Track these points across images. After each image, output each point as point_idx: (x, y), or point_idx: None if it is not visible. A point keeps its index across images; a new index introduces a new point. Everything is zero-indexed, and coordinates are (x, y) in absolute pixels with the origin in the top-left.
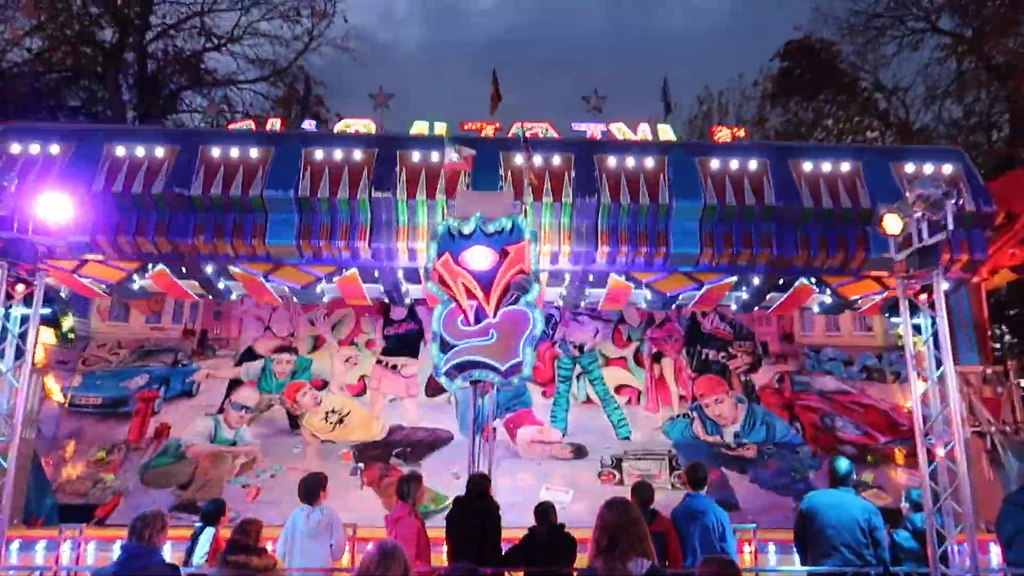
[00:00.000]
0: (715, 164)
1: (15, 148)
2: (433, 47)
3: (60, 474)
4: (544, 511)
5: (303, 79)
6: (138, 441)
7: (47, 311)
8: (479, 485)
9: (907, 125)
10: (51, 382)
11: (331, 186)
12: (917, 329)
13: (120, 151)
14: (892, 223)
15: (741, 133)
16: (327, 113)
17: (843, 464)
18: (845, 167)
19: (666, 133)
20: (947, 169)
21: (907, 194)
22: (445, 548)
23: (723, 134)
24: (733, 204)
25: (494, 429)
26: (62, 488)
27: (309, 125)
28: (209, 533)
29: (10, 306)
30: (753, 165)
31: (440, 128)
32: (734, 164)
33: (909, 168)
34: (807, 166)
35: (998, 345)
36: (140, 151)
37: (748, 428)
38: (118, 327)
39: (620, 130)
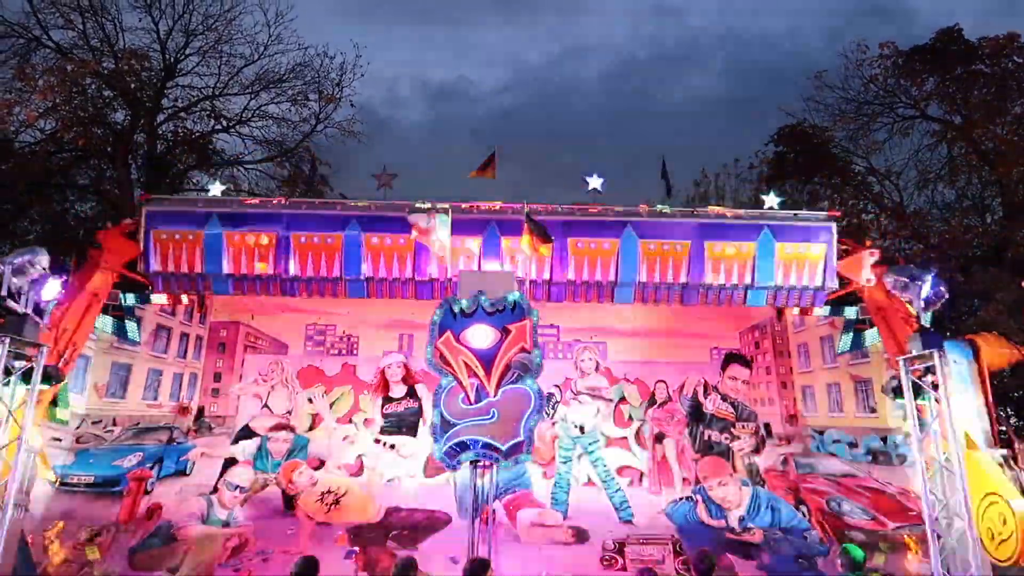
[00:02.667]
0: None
1: None
2: (436, 124)
3: (47, 556)
4: None
5: (309, 159)
6: (128, 522)
7: (45, 387)
8: (477, 572)
9: (901, 207)
10: (42, 460)
11: None
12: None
13: None
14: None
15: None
16: (331, 192)
17: (857, 553)
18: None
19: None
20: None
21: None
22: None
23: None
24: None
25: (494, 511)
26: (48, 571)
27: None
28: None
29: (7, 382)
30: None
31: (443, 208)
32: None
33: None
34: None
35: (1003, 428)
36: None
37: (753, 512)
38: (115, 404)
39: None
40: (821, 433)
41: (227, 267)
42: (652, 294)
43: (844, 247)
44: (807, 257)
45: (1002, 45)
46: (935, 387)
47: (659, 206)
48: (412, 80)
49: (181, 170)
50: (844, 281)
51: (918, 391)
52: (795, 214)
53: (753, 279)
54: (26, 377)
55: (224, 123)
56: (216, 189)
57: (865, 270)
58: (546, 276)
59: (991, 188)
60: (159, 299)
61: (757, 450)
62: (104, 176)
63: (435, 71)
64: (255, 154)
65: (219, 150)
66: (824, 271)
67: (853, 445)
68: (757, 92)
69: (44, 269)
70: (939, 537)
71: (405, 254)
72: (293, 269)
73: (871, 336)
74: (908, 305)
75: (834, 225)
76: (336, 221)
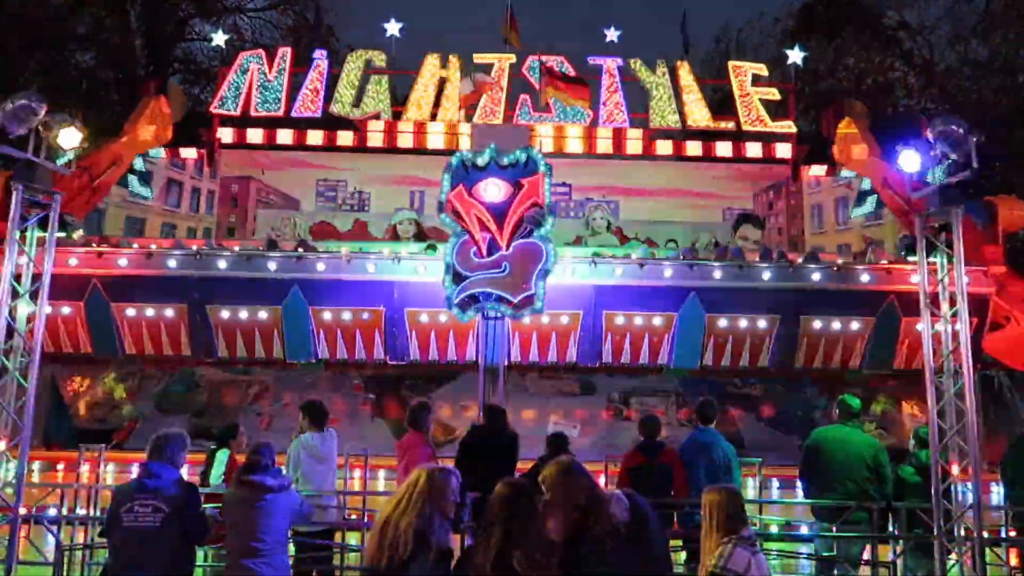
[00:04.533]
0: None
1: None
2: None
3: (78, 400)
4: (557, 441)
5: (313, 8)
6: (152, 368)
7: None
8: (497, 415)
9: (931, 65)
10: None
11: None
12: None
13: None
14: (909, 160)
15: (763, 71)
16: (338, 43)
17: (854, 401)
18: None
19: (685, 71)
20: None
21: (927, 132)
22: None
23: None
24: None
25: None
26: (80, 413)
27: (320, 56)
28: (223, 454)
29: (25, 228)
30: None
31: (452, 61)
32: None
33: None
34: None
35: None
36: None
37: None
38: None
39: (637, 65)
40: None
41: None
42: None
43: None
44: None
45: None
46: (949, 244)
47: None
48: None
49: (181, 18)
50: None
51: (931, 248)
52: None
53: None
54: (43, 224)
55: None
56: (219, 39)
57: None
58: None
59: None
60: (160, 153)
61: None
62: (103, 25)
63: None
64: (257, 2)
65: None
66: None
67: None
68: None
69: (43, 116)
70: (936, 389)
71: None
72: None
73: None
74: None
75: None
76: None
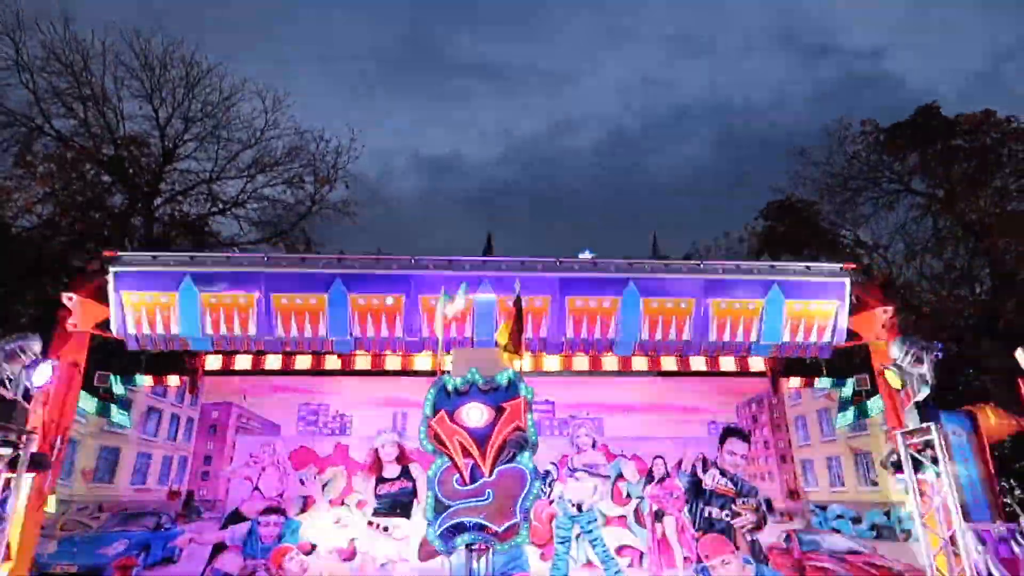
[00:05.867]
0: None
1: None
2: (430, 197)
3: None
4: None
5: (304, 240)
6: None
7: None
8: None
9: (890, 280)
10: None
11: None
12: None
13: None
14: (893, 379)
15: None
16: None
17: None
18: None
19: None
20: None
21: (897, 352)
22: None
23: None
24: None
25: None
26: None
27: None
28: None
29: None
30: None
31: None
32: None
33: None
34: None
35: (1008, 501)
36: None
37: None
38: (101, 489)
39: None
40: (824, 508)
41: (207, 329)
42: (652, 350)
43: (856, 296)
44: (816, 315)
45: (979, 121)
46: (934, 461)
47: (663, 263)
48: (407, 153)
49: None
50: (852, 334)
51: (918, 465)
52: (807, 266)
53: (759, 336)
54: (12, 465)
55: (220, 205)
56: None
57: (876, 327)
58: (543, 335)
59: (979, 259)
60: (145, 380)
61: (759, 527)
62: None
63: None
64: (250, 235)
65: (215, 232)
66: (834, 329)
67: (857, 520)
68: (747, 161)
69: (36, 355)
70: None
71: (393, 314)
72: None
73: (875, 407)
74: (895, 375)
75: (848, 280)
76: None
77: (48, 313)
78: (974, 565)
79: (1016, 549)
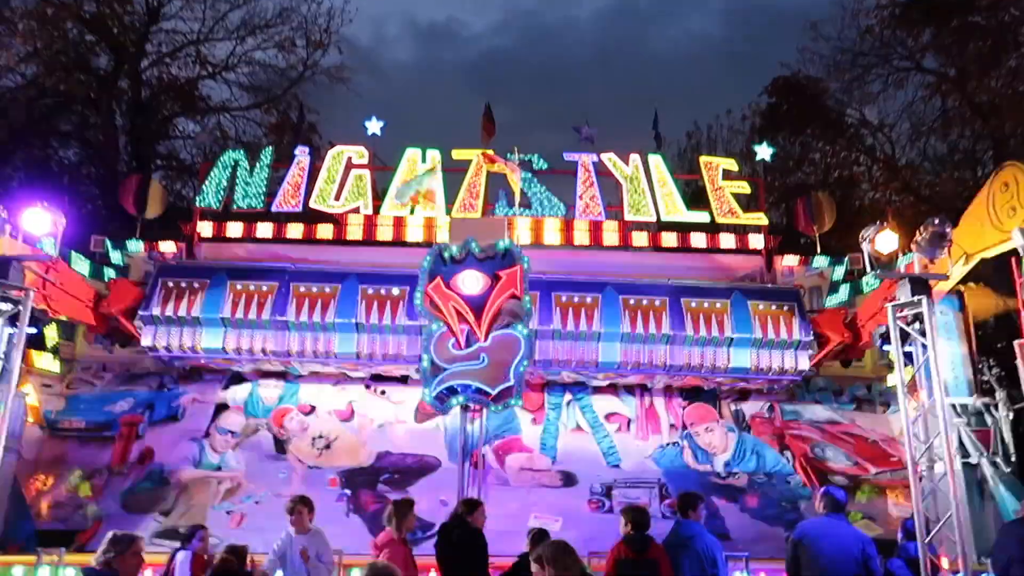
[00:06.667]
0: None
1: None
2: (425, 67)
3: (40, 499)
4: (540, 537)
5: (297, 106)
6: (121, 466)
7: (32, 331)
8: (459, 512)
9: (893, 160)
10: (34, 404)
11: None
12: (908, 358)
13: None
14: (886, 241)
15: (733, 165)
16: (320, 140)
17: (838, 493)
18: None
19: (658, 165)
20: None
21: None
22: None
23: (714, 164)
24: None
25: (483, 456)
26: (41, 514)
27: (302, 152)
28: (184, 556)
29: None
30: None
31: (432, 156)
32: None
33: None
34: None
35: (986, 377)
36: None
37: (739, 457)
38: (103, 350)
39: (611, 160)
40: (807, 381)
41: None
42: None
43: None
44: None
45: None
46: (923, 334)
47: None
48: (401, 18)
49: (166, 116)
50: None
51: (905, 338)
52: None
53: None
54: (13, 320)
55: (209, 69)
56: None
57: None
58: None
59: (983, 142)
60: (139, 246)
61: (743, 397)
62: (88, 122)
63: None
64: (241, 101)
65: (205, 96)
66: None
67: (839, 393)
68: (755, 35)
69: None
70: (920, 479)
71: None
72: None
73: (868, 283)
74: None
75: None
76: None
77: (38, 176)
78: (948, 434)
79: (988, 421)
